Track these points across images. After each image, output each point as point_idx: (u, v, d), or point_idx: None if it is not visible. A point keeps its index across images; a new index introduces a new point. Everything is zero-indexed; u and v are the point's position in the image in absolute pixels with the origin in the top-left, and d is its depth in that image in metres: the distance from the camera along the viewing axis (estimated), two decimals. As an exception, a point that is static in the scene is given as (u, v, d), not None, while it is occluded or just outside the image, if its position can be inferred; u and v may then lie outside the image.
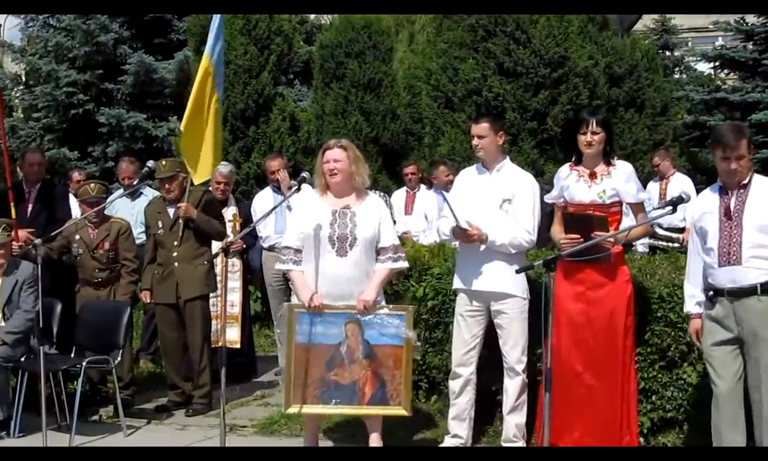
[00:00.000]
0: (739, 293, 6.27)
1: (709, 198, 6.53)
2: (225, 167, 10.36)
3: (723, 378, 6.41)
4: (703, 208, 6.54)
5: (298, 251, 7.12)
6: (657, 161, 13.48)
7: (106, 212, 9.52)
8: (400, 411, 7.12)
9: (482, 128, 7.37)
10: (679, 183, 13.24)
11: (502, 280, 7.22)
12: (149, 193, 11.59)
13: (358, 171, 7.19)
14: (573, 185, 7.09)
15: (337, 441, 8.00)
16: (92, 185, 9.46)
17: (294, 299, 7.33)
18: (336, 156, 7.10)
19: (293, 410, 7.10)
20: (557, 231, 7.26)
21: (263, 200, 10.46)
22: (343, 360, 7.01)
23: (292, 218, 7.32)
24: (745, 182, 6.37)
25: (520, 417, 7.41)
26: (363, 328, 7.00)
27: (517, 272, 7.16)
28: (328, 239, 6.99)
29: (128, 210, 11.02)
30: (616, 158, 7.24)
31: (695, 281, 6.59)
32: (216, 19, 9.15)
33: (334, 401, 7.02)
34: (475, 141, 7.42)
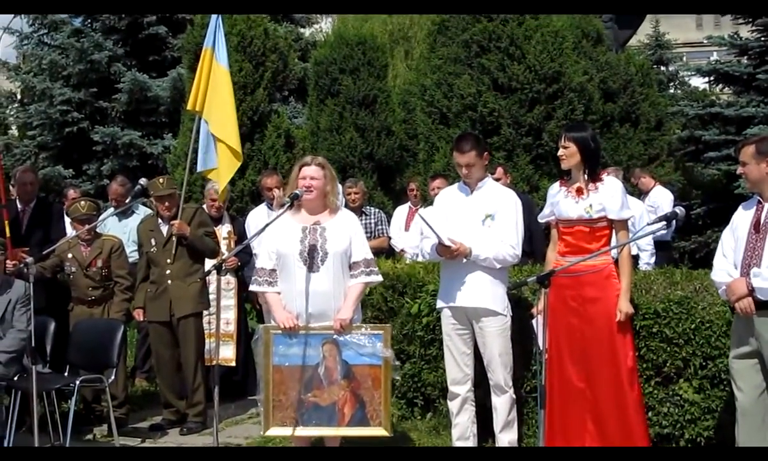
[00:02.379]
0: (756, 307, 6.24)
1: (748, 207, 6.54)
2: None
3: (744, 391, 6.41)
4: (740, 216, 6.56)
5: (273, 271, 7.00)
6: (634, 181, 13.57)
7: (97, 230, 9.48)
8: (381, 432, 6.98)
9: (470, 156, 7.30)
10: (654, 197, 13.30)
11: (483, 296, 7.19)
12: (141, 211, 11.57)
13: (333, 191, 7.13)
14: (562, 200, 7.09)
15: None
16: (82, 202, 9.43)
17: (270, 321, 7.23)
18: (313, 173, 6.99)
19: (272, 432, 6.99)
20: (550, 251, 7.27)
21: (258, 216, 10.42)
22: (321, 381, 6.88)
23: (263, 238, 7.20)
24: None
25: (512, 434, 7.39)
26: (341, 348, 6.88)
27: (510, 289, 7.16)
28: (299, 255, 6.89)
29: (120, 228, 11.00)
30: (607, 173, 7.22)
31: (723, 270, 6.53)
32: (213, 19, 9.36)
33: (313, 422, 6.90)
34: (464, 170, 7.35)
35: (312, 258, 6.87)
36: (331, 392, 6.88)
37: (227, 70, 9.43)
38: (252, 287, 7.27)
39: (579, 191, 7.00)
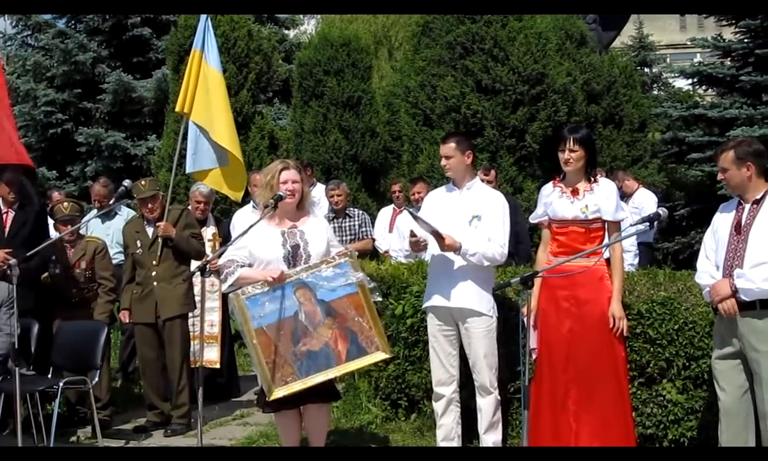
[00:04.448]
0: (739, 308, 6.27)
1: (728, 208, 6.58)
2: (205, 187, 10.28)
3: (726, 391, 6.43)
4: (720, 218, 6.59)
5: (243, 265, 6.88)
6: (618, 184, 13.59)
7: (80, 232, 9.46)
8: (381, 355, 6.91)
9: (449, 147, 7.34)
10: (638, 199, 13.35)
11: (469, 297, 7.19)
12: (125, 212, 11.55)
13: (308, 193, 7.18)
14: (556, 201, 7.07)
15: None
16: (65, 204, 9.41)
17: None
18: (294, 177, 6.99)
19: (279, 394, 6.71)
20: (541, 252, 7.27)
21: (243, 216, 10.40)
22: (306, 328, 6.75)
23: (237, 238, 7.13)
24: (758, 197, 6.40)
25: (496, 435, 7.39)
26: (313, 289, 6.79)
27: (495, 290, 7.15)
28: (283, 259, 6.87)
29: (103, 230, 10.98)
30: (600, 175, 7.21)
31: (706, 272, 6.55)
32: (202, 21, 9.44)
33: (313, 370, 6.72)
34: (443, 161, 7.40)
35: (295, 260, 6.86)
36: (320, 335, 6.77)
37: (220, 73, 9.45)
38: (225, 286, 7.06)
39: (575, 192, 7.00)
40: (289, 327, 6.75)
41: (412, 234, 7.17)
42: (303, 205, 7.09)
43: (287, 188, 6.92)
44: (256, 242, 6.92)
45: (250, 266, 6.90)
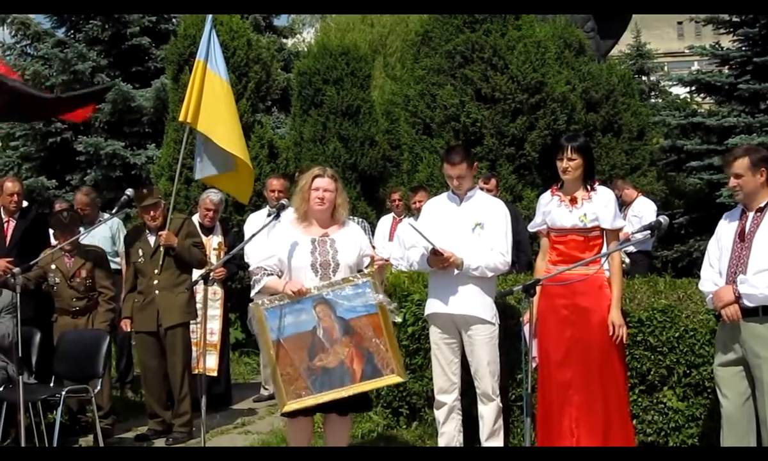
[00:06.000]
0: (742, 314, 6.31)
1: (732, 217, 6.62)
2: (216, 195, 10.28)
3: (728, 398, 6.47)
4: (724, 225, 6.65)
5: (271, 274, 6.84)
6: (617, 193, 13.59)
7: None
8: (395, 379, 6.84)
9: (461, 168, 7.31)
10: (637, 207, 13.34)
11: (472, 304, 7.19)
12: (107, 221, 11.51)
13: (343, 204, 7.05)
14: (555, 209, 7.08)
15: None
16: (64, 213, 9.41)
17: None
18: (326, 185, 6.91)
19: (289, 407, 6.66)
20: (540, 261, 7.28)
21: (257, 221, 10.24)
22: (323, 344, 6.68)
23: (268, 244, 7.09)
24: (762, 205, 6.45)
25: (498, 443, 7.39)
26: (333, 306, 6.72)
27: (497, 298, 7.15)
28: (311, 266, 6.81)
29: (87, 239, 10.87)
30: (598, 183, 7.22)
31: (710, 280, 6.60)
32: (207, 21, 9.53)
33: (326, 387, 6.65)
34: (455, 182, 7.35)
35: (324, 269, 6.83)
36: (336, 352, 6.69)
37: (228, 82, 9.50)
38: (253, 293, 7.09)
39: (573, 201, 7.01)
40: (306, 342, 6.69)
41: (434, 252, 7.16)
42: (336, 214, 7.05)
43: (317, 195, 6.86)
44: (285, 250, 6.86)
45: (281, 272, 6.85)
